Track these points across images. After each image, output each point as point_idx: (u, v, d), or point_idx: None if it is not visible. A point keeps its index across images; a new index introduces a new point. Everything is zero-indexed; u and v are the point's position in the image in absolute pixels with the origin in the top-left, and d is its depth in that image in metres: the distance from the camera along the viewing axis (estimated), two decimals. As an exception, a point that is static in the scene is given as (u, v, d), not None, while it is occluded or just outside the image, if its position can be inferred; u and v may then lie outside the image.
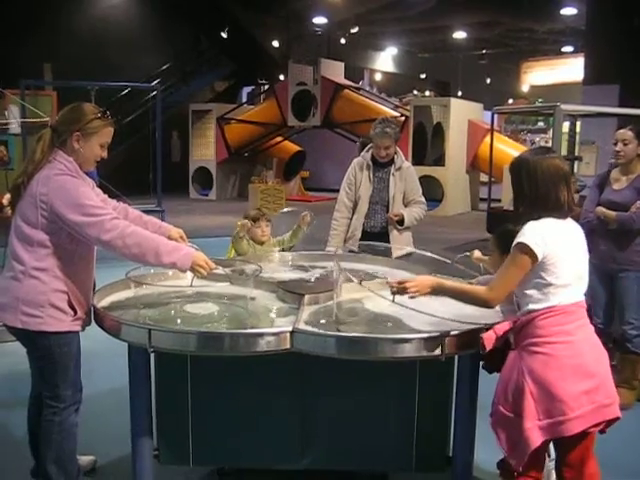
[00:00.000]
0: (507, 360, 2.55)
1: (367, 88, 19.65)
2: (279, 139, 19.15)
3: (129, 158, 16.70)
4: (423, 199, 4.75)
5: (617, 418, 2.49)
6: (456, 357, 2.78)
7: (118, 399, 3.35)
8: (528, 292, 2.48)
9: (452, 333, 2.49)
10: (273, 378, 2.87)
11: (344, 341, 2.54)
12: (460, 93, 25.00)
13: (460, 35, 23.21)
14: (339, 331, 2.63)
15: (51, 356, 2.82)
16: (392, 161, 4.69)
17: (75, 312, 2.83)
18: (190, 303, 3.10)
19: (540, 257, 2.40)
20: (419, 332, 2.57)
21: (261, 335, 2.55)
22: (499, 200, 12.35)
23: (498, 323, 2.60)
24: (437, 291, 2.55)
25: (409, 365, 2.80)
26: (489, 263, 3.12)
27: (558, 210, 2.46)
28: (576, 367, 2.40)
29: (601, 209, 4.16)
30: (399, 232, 4.66)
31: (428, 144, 15.97)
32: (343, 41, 23.52)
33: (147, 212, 3.70)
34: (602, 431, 2.53)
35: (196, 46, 21.47)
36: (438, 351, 2.46)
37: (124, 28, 19.21)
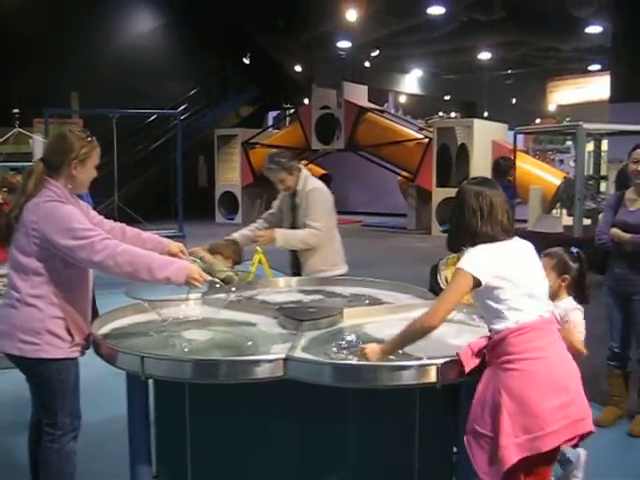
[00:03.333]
0: (482, 378, 2.53)
1: (392, 111, 19.65)
2: (304, 163, 19.21)
3: (155, 184, 16.91)
4: (315, 224, 4.38)
5: (590, 432, 2.52)
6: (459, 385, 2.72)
7: (117, 426, 3.33)
8: (490, 313, 2.53)
9: (447, 360, 2.43)
10: (271, 406, 2.81)
11: (339, 369, 2.50)
12: (486, 114, 24.91)
13: (485, 56, 23.17)
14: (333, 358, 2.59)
15: (49, 383, 2.82)
16: None
17: (73, 338, 2.83)
18: (190, 329, 3.08)
19: (484, 280, 2.46)
20: (416, 359, 2.52)
21: (254, 362, 2.52)
22: (525, 220, 12.21)
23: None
24: (387, 354, 2.53)
25: (409, 394, 2.73)
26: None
27: (492, 237, 2.55)
28: (550, 382, 2.43)
29: (615, 231, 4.05)
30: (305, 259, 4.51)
31: (452, 165, 15.89)
32: (367, 64, 23.60)
33: (168, 237, 3.73)
34: (575, 444, 2.59)
35: (221, 72, 21.72)
36: (433, 378, 2.40)
37: (151, 56, 19.52)
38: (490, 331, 2.56)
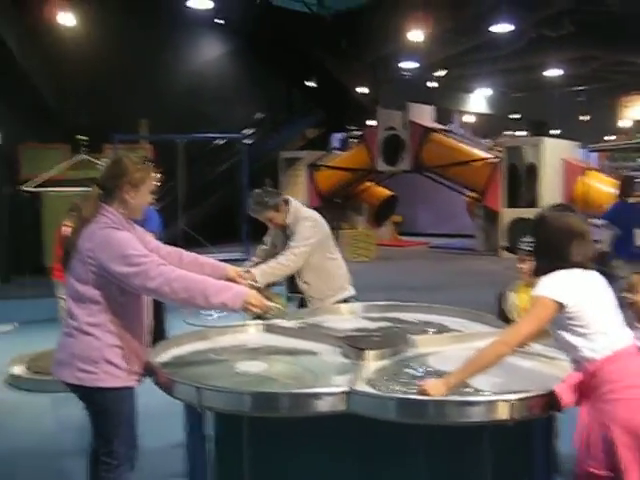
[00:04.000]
0: (580, 417, 2.39)
1: (458, 131, 19.35)
2: (370, 184, 19.11)
3: (222, 207, 17.08)
4: (294, 244, 4.24)
5: None
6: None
7: (175, 457, 3.27)
8: (576, 343, 2.41)
9: (522, 395, 2.27)
10: (334, 441, 2.70)
11: (405, 404, 2.35)
12: (557, 131, 24.31)
13: (554, 72, 22.65)
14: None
15: (105, 412, 2.79)
16: None
17: (130, 367, 2.79)
18: (250, 358, 3.01)
19: (569, 303, 2.37)
20: (485, 394, 2.36)
21: (314, 396, 2.41)
22: (597, 241, 11.76)
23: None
24: (452, 387, 2.37)
25: (479, 431, 2.56)
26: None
27: (572, 265, 2.48)
28: None
29: None
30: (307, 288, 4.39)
31: (521, 185, 15.51)
32: (433, 84, 23.41)
33: (234, 260, 3.69)
34: None
35: (287, 95, 21.90)
36: (505, 415, 2.23)
37: (218, 82, 19.86)
38: (576, 362, 2.44)
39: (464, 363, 2.44)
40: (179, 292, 2.65)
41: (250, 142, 18.01)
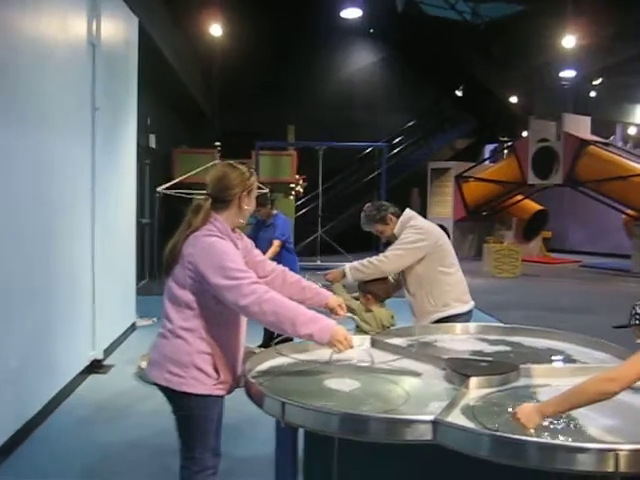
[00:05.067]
0: None
1: (619, 144, 18.16)
2: (519, 198, 18.37)
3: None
4: (392, 247, 4.25)
5: None
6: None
7: (262, 468, 3.20)
8: None
9: (631, 446, 1.96)
10: (423, 469, 2.51)
11: (499, 442, 2.11)
12: None
13: None
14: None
15: (190, 418, 2.78)
16: None
17: (219, 375, 2.75)
18: (350, 375, 2.87)
19: None
20: (593, 440, 2.09)
21: (400, 422, 2.24)
22: None
23: None
24: (546, 416, 2.14)
25: None
26: None
27: None
28: None
29: None
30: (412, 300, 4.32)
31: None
32: (592, 94, 22.16)
33: None
34: None
35: (437, 104, 21.57)
36: (610, 467, 1.94)
37: (369, 90, 19.96)
38: None
39: (564, 393, 2.20)
40: (267, 314, 2.60)
41: (395, 151, 17.90)
